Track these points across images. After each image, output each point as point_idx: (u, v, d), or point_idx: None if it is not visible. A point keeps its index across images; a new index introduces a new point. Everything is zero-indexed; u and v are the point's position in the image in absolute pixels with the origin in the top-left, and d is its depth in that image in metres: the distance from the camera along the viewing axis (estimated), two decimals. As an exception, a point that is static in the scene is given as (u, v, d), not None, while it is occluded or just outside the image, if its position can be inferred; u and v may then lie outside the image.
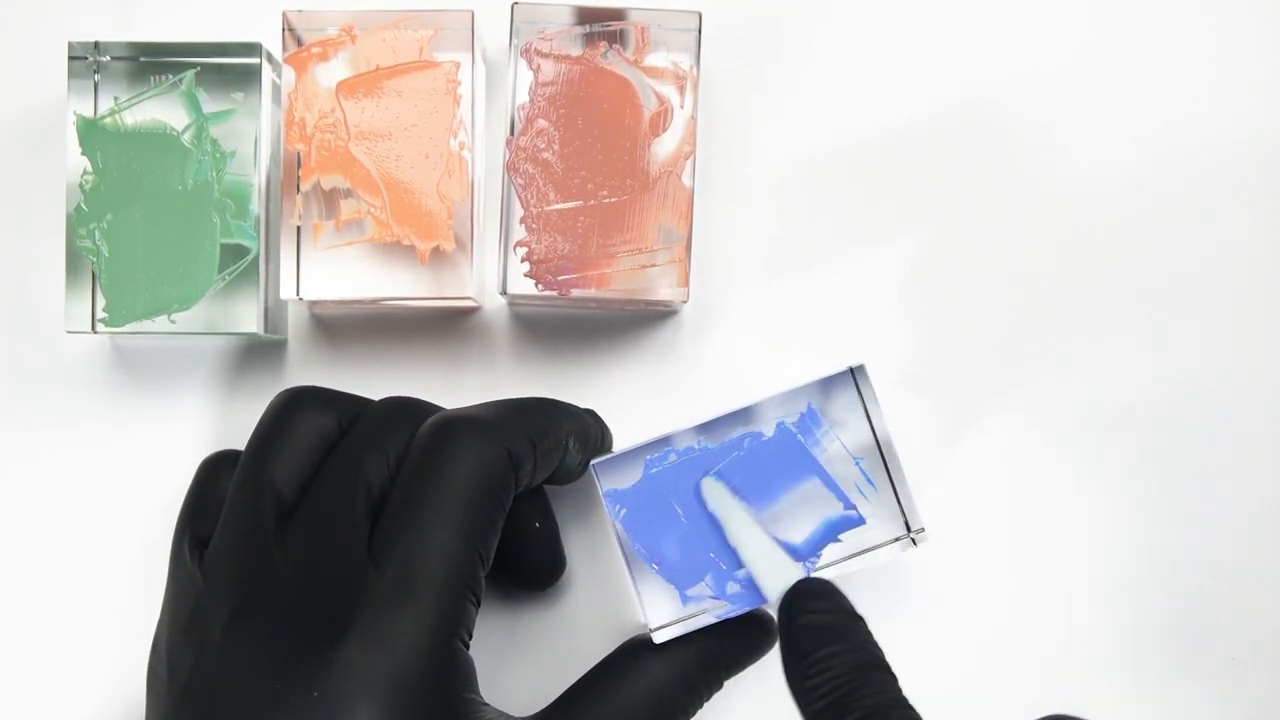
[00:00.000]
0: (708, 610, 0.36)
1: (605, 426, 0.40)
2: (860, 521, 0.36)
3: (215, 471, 0.38)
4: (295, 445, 0.36)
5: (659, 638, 0.36)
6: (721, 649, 0.36)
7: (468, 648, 0.34)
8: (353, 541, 0.34)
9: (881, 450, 0.37)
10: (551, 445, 0.36)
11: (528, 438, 0.36)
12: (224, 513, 0.36)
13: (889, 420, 0.37)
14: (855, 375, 0.37)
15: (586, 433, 0.38)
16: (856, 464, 0.36)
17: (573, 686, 0.36)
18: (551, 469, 0.37)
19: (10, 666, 0.42)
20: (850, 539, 0.36)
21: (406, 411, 0.37)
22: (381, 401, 0.38)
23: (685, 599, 0.36)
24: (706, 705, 0.37)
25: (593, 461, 0.36)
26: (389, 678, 0.32)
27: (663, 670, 0.35)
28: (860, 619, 0.33)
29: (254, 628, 0.33)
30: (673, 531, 0.36)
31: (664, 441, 0.36)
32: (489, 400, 0.38)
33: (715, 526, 0.36)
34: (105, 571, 0.42)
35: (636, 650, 0.36)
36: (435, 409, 0.37)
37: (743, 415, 0.36)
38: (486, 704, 0.34)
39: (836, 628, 0.32)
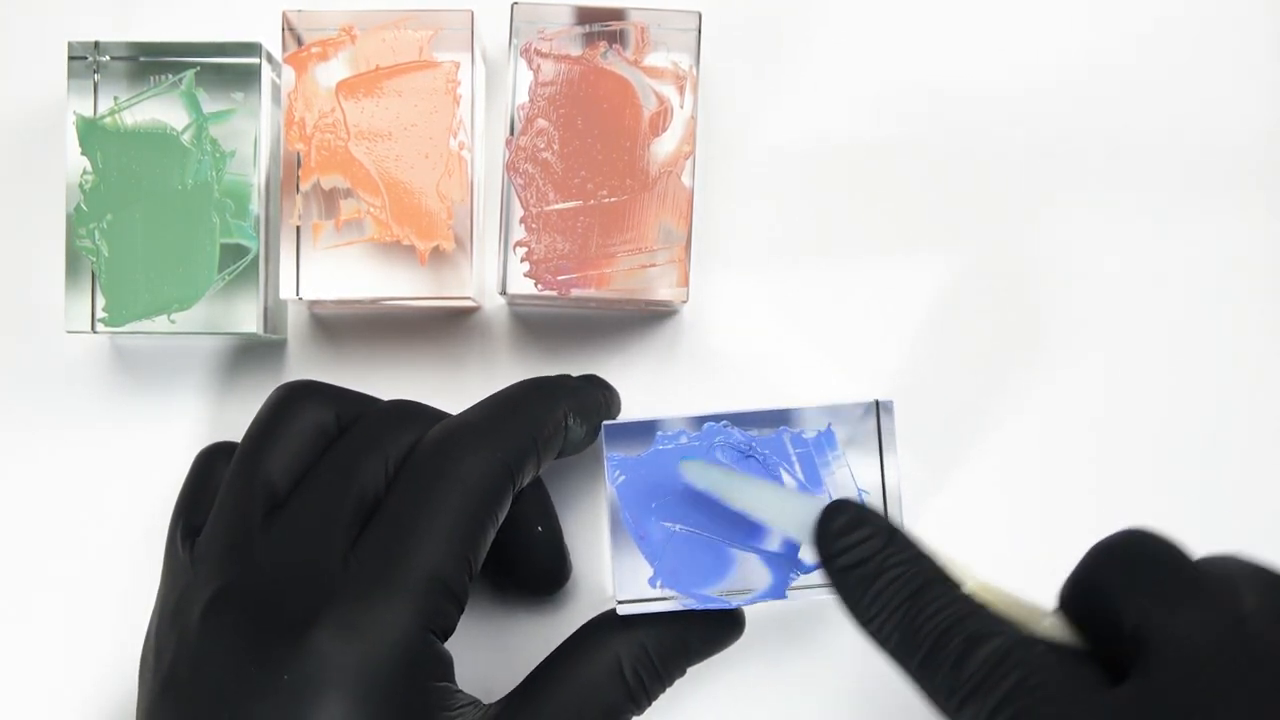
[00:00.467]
0: (675, 598, 0.36)
1: (608, 391, 0.40)
2: None
3: (211, 462, 0.38)
4: (292, 438, 0.36)
5: (622, 610, 0.36)
6: (686, 635, 0.36)
7: (444, 641, 0.35)
8: (338, 536, 0.34)
9: (885, 495, 0.36)
10: (551, 432, 0.37)
11: (528, 436, 0.36)
12: (216, 502, 0.36)
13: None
14: (880, 411, 0.36)
15: (585, 405, 0.38)
16: (860, 496, 0.36)
17: (539, 666, 0.36)
18: (555, 453, 0.38)
19: (9, 663, 0.42)
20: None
21: (410, 416, 0.37)
22: (386, 404, 0.38)
23: (655, 581, 0.36)
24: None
25: (606, 422, 0.36)
26: (359, 665, 0.32)
27: (626, 650, 0.35)
28: (897, 531, 0.32)
29: (231, 612, 0.33)
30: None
31: (681, 421, 0.36)
32: (486, 397, 0.38)
33: (705, 517, 0.36)
34: (105, 570, 0.42)
35: (600, 628, 0.36)
36: (438, 414, 0.37)
37: (759, 418, 0.36)
38: (460, 690, 0.35)
39: (874, 560, 0.31)
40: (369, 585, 0.33)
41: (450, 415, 0.37)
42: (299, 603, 0.33)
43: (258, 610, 0.33)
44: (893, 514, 0.36)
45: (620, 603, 0.36)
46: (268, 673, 0.32)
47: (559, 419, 0.37)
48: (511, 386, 0.38)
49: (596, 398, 0.39)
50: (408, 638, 0.33)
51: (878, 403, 0.36)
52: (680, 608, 0.36)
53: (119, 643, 0.42)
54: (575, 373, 0.41)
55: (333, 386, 0.38)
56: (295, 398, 0.37)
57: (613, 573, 0.36)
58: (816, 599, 0.36)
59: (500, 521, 0.36)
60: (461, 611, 0.35)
